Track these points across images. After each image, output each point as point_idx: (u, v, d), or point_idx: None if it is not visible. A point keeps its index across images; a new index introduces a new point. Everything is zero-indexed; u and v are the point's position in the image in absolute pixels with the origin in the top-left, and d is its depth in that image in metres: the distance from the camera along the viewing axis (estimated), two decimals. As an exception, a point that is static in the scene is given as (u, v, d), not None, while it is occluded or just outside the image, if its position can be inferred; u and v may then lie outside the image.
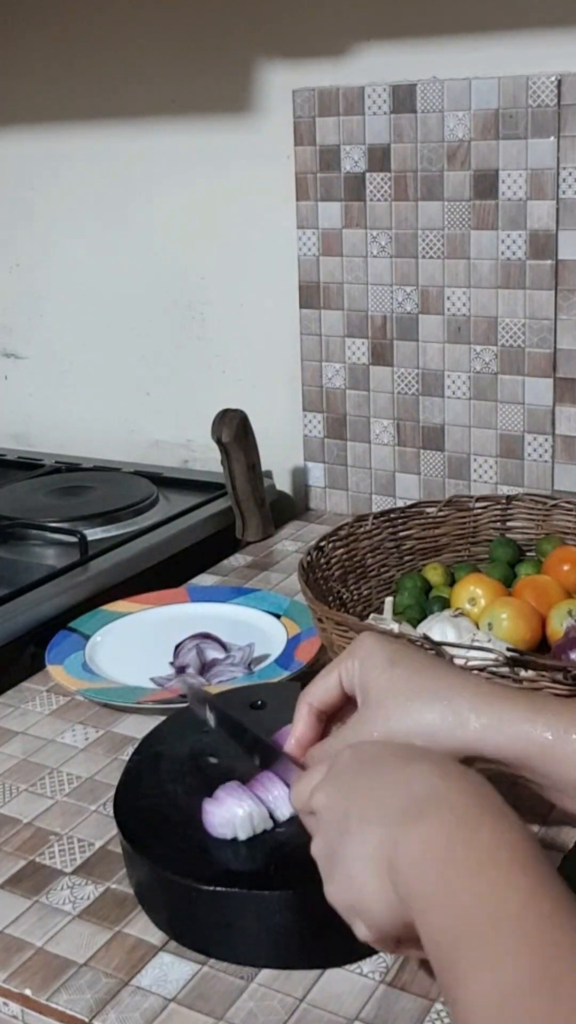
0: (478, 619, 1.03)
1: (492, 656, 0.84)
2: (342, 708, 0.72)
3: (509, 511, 1.18)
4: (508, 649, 0.86)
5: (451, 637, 0.98)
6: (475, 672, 0.81)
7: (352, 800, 0.59)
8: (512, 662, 0.84)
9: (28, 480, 1.56)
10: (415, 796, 0.56)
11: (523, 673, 0.84)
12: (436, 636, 0.97)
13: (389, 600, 1.06)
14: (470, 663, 0.83)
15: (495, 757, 0.64)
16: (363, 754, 0.62)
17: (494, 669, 0.83)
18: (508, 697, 0.65)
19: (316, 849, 0.61)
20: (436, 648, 0.85)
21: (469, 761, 0.64)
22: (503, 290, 1.31)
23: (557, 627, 1.01)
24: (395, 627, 1.00)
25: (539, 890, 0.49)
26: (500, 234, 1.29)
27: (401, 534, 1.16)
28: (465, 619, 1.02)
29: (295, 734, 0.72)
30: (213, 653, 1.06)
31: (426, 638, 0.87)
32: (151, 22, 1.50)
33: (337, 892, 0.58)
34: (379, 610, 1.08)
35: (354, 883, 0.56)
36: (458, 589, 1.07)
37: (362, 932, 0.58)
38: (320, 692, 0.71)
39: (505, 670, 0.83)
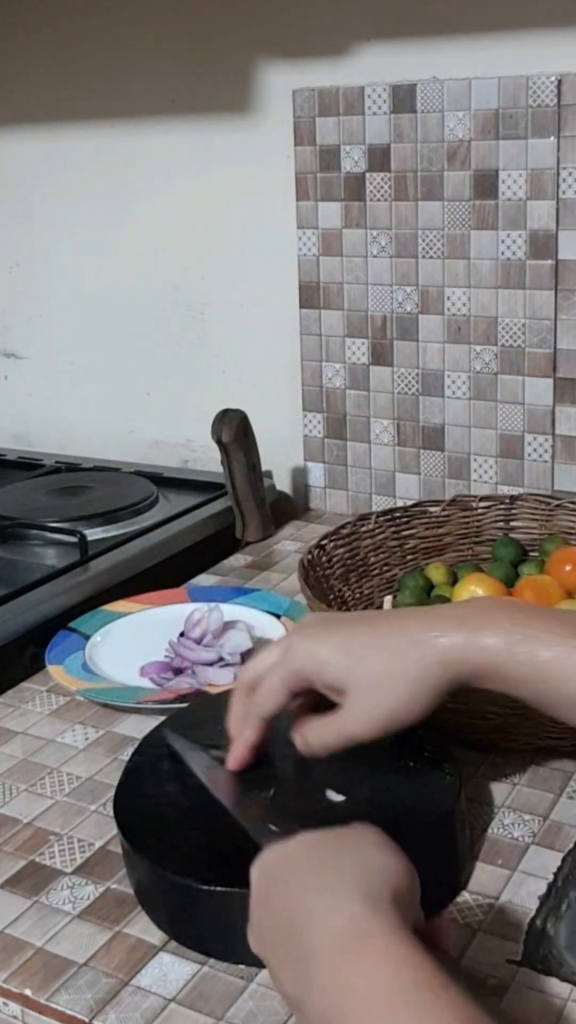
0: None
1: None
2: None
3: (512, 511, 1.18)
4: None
5: None
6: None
7: (267, 951, 0.58)
8: None
9: (28, 480, 1.56)
10: (307, 967, 0.53)
11: None
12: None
13: (388, 599, 1.06)
14: None
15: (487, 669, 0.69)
16: (270, 877, 0.60)
17: None
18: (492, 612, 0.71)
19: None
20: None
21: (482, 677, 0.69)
22: (503, 290, 1.31)
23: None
24: None
25: None
26: (500, 234, 1.29)
27: (404, 533, 1.16)
28: None
29: (246, 738, 0.76)
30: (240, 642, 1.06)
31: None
32: (151, 22, 1.50)
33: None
34: (380, 607, 1.08)
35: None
36: (459, 588, 1.07)
37: None
38: (271, 703, 0.74)
39: None
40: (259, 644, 1.08)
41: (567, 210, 1.25)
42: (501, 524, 1.18)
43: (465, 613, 0.71)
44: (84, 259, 1.66)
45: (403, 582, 1.12)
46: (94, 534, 1.33)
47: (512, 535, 1.18)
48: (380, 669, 0.70)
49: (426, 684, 0.69)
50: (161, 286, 1.60)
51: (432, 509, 1.18)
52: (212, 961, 0.71)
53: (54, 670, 1.06)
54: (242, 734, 0.76)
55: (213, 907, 0.70)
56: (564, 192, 1.25)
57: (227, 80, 1.46)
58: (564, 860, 0.78)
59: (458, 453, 1.39)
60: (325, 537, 1.10)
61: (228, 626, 1.08)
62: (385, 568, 1.14)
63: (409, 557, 1.16)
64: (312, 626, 0.75)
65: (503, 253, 1.30)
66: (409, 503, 1.19)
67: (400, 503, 1.40)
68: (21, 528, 1.36)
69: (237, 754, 0.76)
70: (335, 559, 1.09)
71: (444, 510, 1.18)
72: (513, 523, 1.18)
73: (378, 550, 1.14)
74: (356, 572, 1.11)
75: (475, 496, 1.19)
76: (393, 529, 1.15)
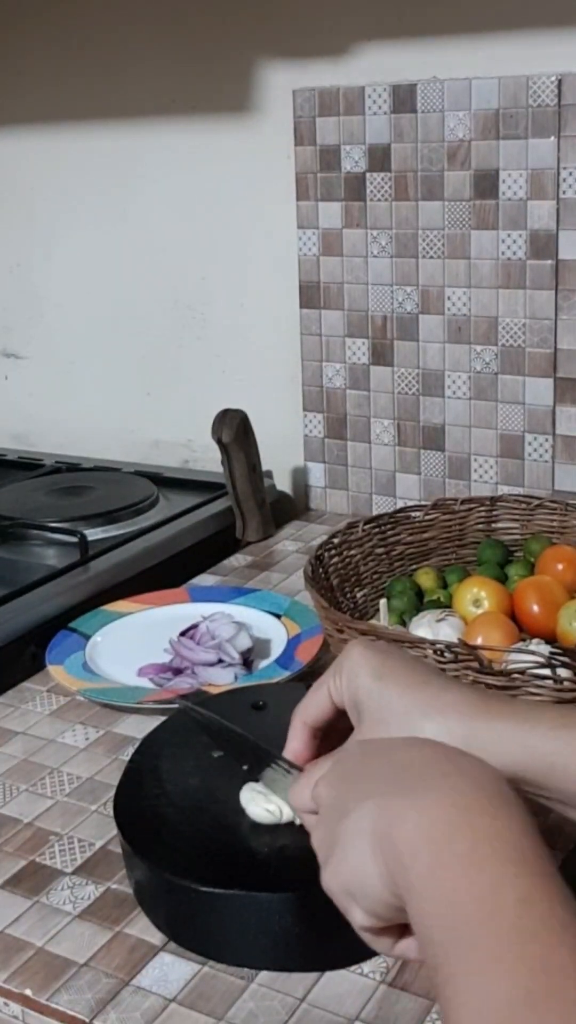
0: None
1: (533, 659, 0.84)
2: (338, 724, 0.69)
3: (494, 512, 1.18)
4: (553, 650, 0.87)
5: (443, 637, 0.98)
6: (463, 680, 0.82)
7: (353, 783, 0.56)
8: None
9: (28, 480, 1.56)
10: (417, 772, 0.54)
11: (563, 673, 0.84)
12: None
13: (383, 602, 1.05)
14: (511, 667, 0.84)
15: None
16: (370, 745, 0.60)
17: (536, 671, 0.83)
18: (503, 710, 0.63)
19: (316, 840, 0.58)
20: (464, 653, 0.84)
21: None
22: (503, 290, 1.31)
23: (566, 627, 1.00)
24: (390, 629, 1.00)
25: (537, 891, 0.48)
26: (500, 234, 1.29)
27: (391, 540, 1.15)
28: (451, 620, 1.01)
29: (289, 749, 0.70)
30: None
31: (463, 643, 0.87)
32: (151, 22, 1.50)
33: (333, 875, 0.55)
34: (376, 612, 1.08)
35: (349, 860, 0.54)
36: (462, 590, 1.06)
37: (358, 918, 0.55)
38: (312, 708, 0.69)
39: (547, 671, 0.83)
40: (259, 644, 1.09)
41: (567, 210, 1.25)
42: (483, 526, 1.18)
43: (522, 708, 0.65)
44: (84, 259, 1.66)
45: (391, 588, 1.10)
46: (94, 534, 1.33)
47: (494, 536, 1.18)
48: (395, 698, 0.64)
49: None
50: (161, 286, 1.60)
51: (415, 514, 1.17)
52: (212, 961, 0.71)
53: (54, 670, 1.06)
54: (287, 746, 0.70)
55: (212, 908, 0.70)
56: (564, 192, 1.25)
57: (227, 80, 1.46)
58: (564, 861, 0.78)
59: (458, 453, 1.39)
60: (320, 548, 1.08)
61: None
62: (375, 576, 1.13)
63: (397, 564, 1.15)
64: (371, 645, 0.69)
65: (503, 253, 1.30)
66: (403, 505, 1.18)
67: (401, 503, 1.40)
68: (21, 528, 1.36)
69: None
70: (331, 569, 1.09)
71: (427, 514, 1.17)
72: (495, 524, 1.18)
73: (367, 558, 1.13)
74: (350, 582, 1.10)
75: (456, 499, 1.19)
76: (380, 536, 1.14)
